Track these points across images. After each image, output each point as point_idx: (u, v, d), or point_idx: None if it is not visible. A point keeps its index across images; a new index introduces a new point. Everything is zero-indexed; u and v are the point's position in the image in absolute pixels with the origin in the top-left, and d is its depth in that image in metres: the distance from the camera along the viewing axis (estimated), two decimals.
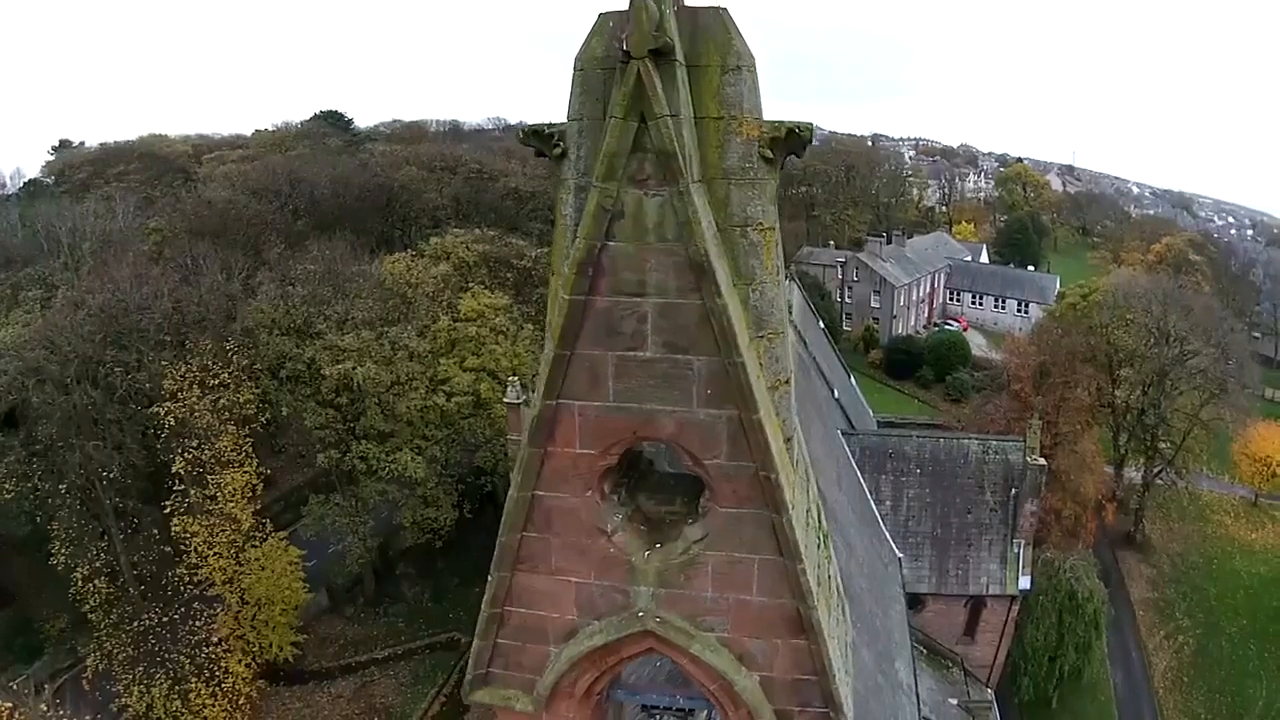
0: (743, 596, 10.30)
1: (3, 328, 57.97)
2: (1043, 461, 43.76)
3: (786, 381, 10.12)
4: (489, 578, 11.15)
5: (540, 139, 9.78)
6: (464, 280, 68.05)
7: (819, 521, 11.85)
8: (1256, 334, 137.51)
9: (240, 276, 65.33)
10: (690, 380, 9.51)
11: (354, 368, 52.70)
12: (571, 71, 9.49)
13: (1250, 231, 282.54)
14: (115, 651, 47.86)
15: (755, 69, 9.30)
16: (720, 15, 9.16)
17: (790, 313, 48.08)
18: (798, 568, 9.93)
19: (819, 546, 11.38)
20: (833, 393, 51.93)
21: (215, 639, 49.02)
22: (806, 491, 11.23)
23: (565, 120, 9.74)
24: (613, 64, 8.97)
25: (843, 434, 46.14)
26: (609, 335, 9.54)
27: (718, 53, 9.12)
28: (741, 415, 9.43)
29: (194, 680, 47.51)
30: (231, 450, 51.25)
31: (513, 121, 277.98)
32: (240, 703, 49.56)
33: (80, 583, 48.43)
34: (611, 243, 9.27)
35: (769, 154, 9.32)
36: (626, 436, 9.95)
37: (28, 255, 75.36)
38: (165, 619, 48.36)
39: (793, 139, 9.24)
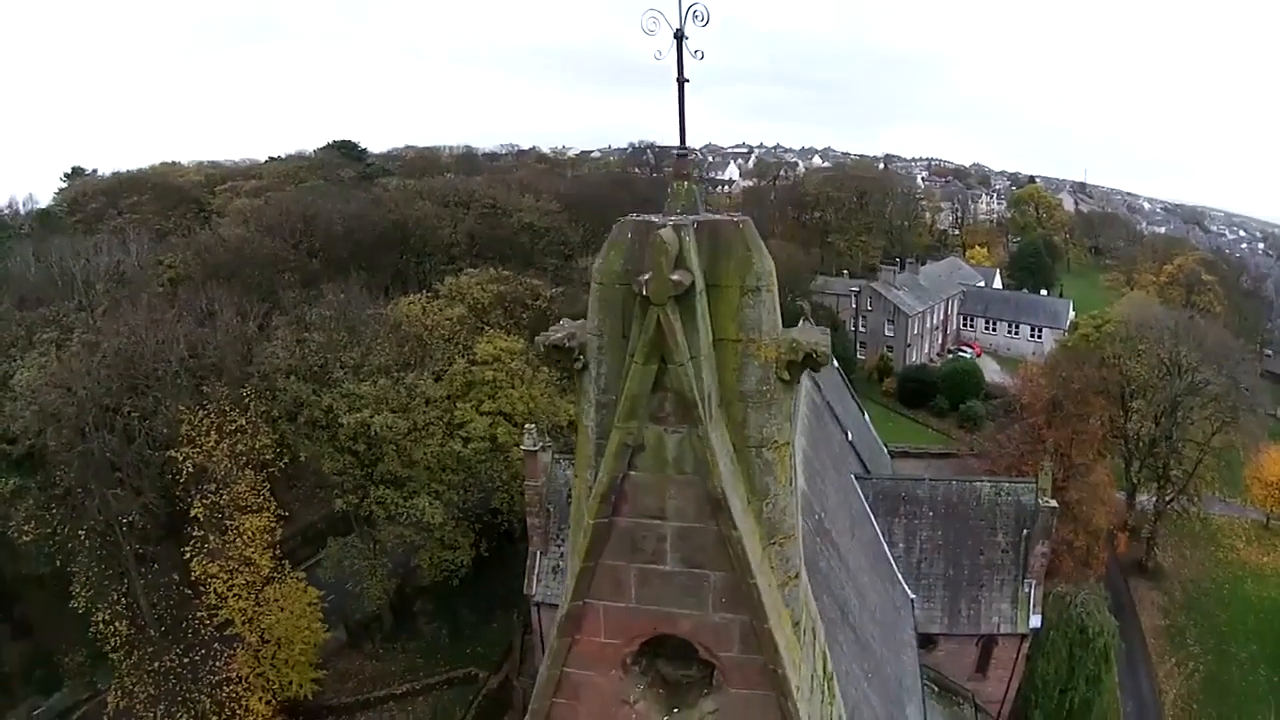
0: None
1: (19, 370, 58.50)
2: (1054, 504, 43.90)
3: (796, 576, 10.73)
4: None
5: (562, 353, 10.22)
6: (479, 322, 68.69)
7: (824, 669, 12.51)
8: (1268, 351, 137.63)
9: (256, 320, 65.93)
10: (706, 590, 10.10)
11: (371, 416, 53.34)
12: (591, 284, 9.97)
13: (1262, 245, 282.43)
14: (137, 691, 48.25)
15: (774, 285, 9.79)
16: (740, 231, 9.68)
17: None
18: None
19: (823, 700, 12.06)
20: (847, 436, 52.37)
21: (236, 677, 49.50)
22: (814, 647, 11.94)
23: (584, 324, 10.29)
24: (630, 280, 9.35)
25: (857, 478, 46.62)
26: (631, 551, 10.15)
27: (738, 273, 9.58)
28: (753, 623, 10.05)
29: (214, 718, 48.05)
30: (250, 495, 51.66)
31: (525, 147, 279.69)
32: None
33: (101, 625, 49.07)
34: (633, 472, 9.82)
35: (785, 376, 9.84)
36: (647, 631, 10.54)
37: (42, 293, 75.58)
38: (186, 660, 48.84)
39: (809, 361, 9.74)
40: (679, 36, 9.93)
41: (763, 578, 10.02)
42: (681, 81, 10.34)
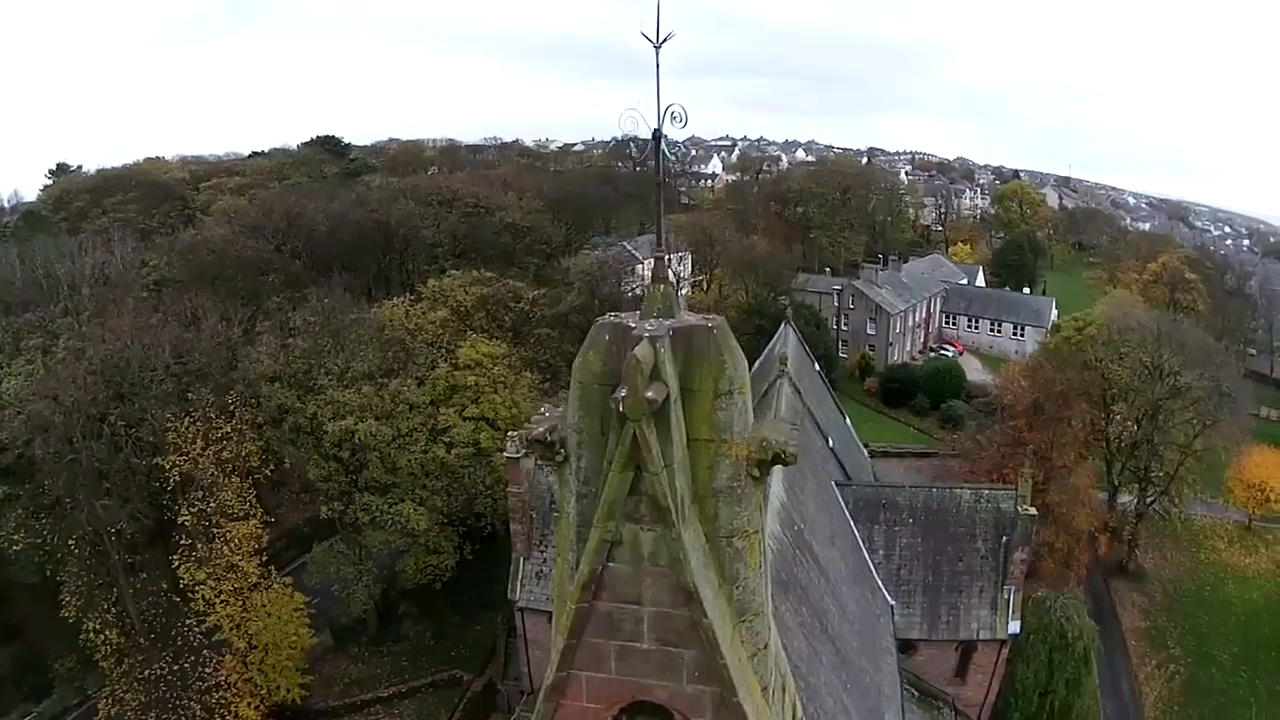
0: None
1: (6, 378, 58.49)
2: (1033, 511, 44.23)
3: (765, 646, 11.31)
4: None
5: (545, 447, 10.71)
6: (462, 324, 68.93)
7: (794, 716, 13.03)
8: (1252, 351, 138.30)
9: (240, 325, 66.00)
10: (681, 665, 10.71)
11: (356, 423, 53.58)
12: (571, 381, 10.49)
13: (1246, 241, 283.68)
14: (128, 699, 48.45)
15: (747, 388, 10.40)
16: (714, 336, 10.20)
17: (786, 364, 49.18)
18: None
19: None
20: (828, 442, 52.69)
21: (225, 682, 49.69)
22: (783, 702, 12.53)
23: (565, 418, 10.77)
24: (609, 380, 9.95)
25: (837, 485, 47.01)
26: (611, 630, 10.76)
27: (711, 378, 10.13)
28: (724, 694, 10.61)
29: None
30: (236, 502, 51.86)
31: (508, 139, 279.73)
32: None
33: (92, 634, 49.28)
34: (612, 564, 10.43)
35: (756, 473, 10.42)
36: (627, 697, 11.13)
37: (27, 297, 75.46)
38: (176, 667, 48.92)
39: (777, 460, 10.33)
40: (657, 137, 10.40)
41: (732, 654, 10.57)
42: (660, 182, 10.92)
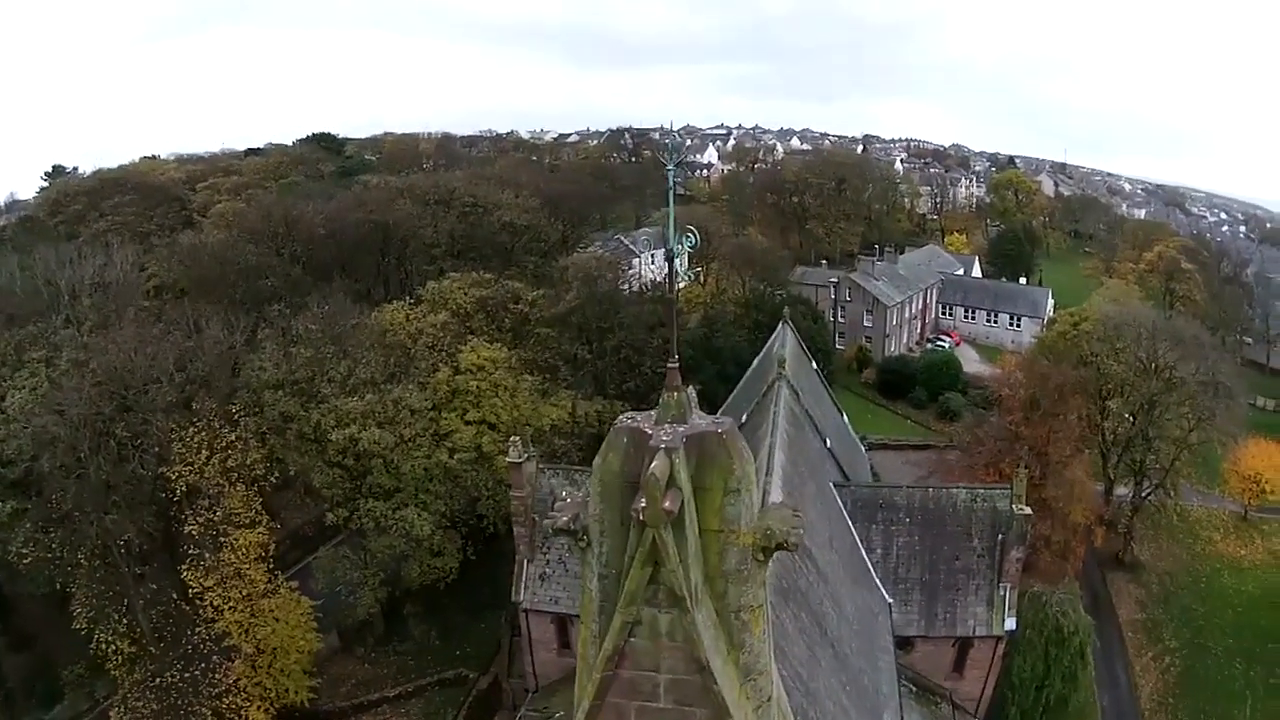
0: None
1: (10, 392, 58.92)
2: (1028, 511, 44.67)
3: (769, 699, 12.51)
4: None
5: (570, 535, 11.99)
6: (463, 327, 69.43)
7: None
8: (1248, 340, 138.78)
9: (242, 332, 66.44)
10: None
11: (359, 431, 54.23)
12: (591, 478, 11.66)
13: (1243, 228, 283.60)
14: (141, 708, 48.83)
15: (752, 484, 11.51)
16: (723, 441, 11.30)
17: (784, 367, 49.85)
18: None
19: None
20: (825, 443, 53.29)
21: (235, 686, 50.20)
22: None
23: (588, 508, 11.91)
24: (627, 479, 11.19)
25: (836, 486, 47.72)
26: (632, 692, 11.97)
27: (720, 477, 11.26)
28: None
29: None
30: (243, 510, 52.38)
31: (503, 131, 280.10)
32: None
33: (103, 645, 49.85)
34: (633, 639, 11.66)
35: (760, 558, 11.65)
36: None
37: (29, 307, 75.40)
38: (187, 674, 49.40)
39: (780, 548, 11.55)
40: (670, 257, 11.66)
41: (739, 711, 11.75)
42: (672, 299, 12.47)
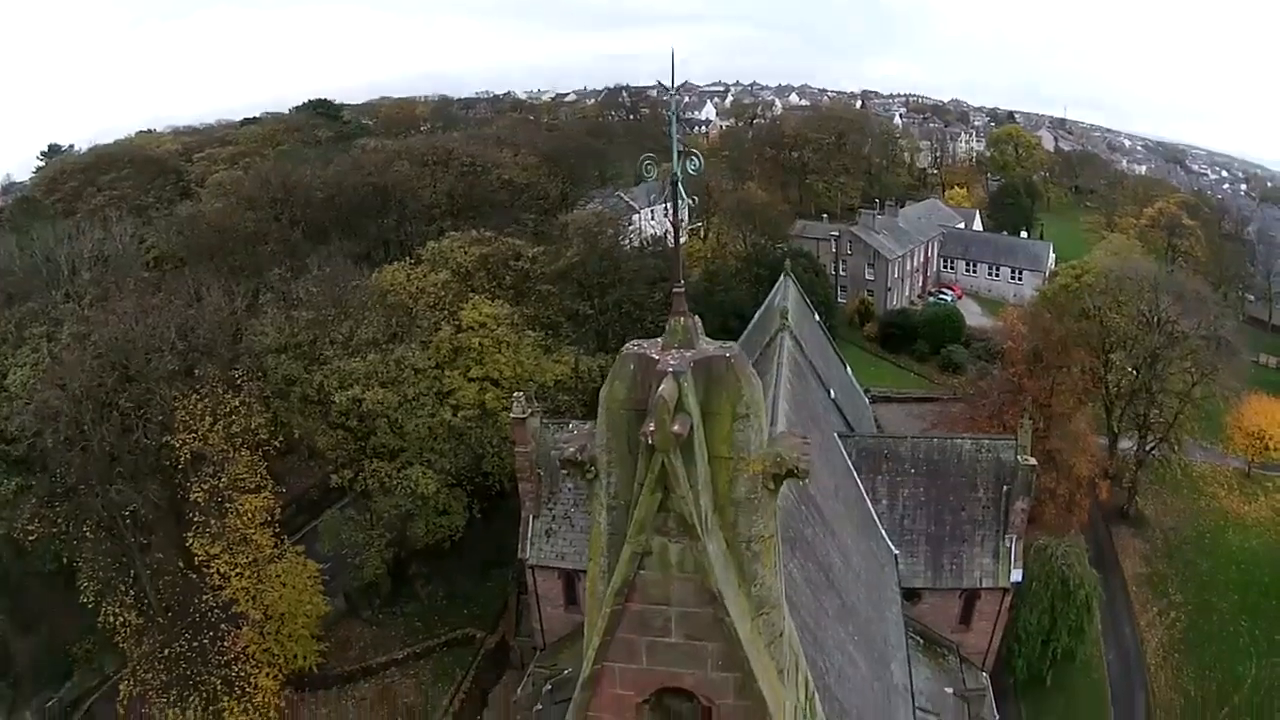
0: None
1: (12, 369, 58.81)
2: (1033, 461, 44.61)
3: (780, 635, 12.30)
4: None
5: (577, 466, 11.66)
6: (464, 286, 69.25)
7: (805, 696, 14.26)
8: (1250, 297, 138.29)
9: (243, 298, 66.20)
10: (705, 656, 11.75)
11: (363, 392, 54.13)
12: (599, 406, 11.41)
13: (1244, 187, 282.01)
14: (150, 679, 49.12)
15: (761, 409, 11.29)
16: (732, 365, 11.07)
17: (787, 318, 49.73)
18: None
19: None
20: (830, 394, 53.20)
21: (244, 653, 50.36)
22: (796, 679, 13.47)
23: (595, 438, 11.70)
24: (634, 406, 10.99)
25: (840, 437, 47.65)
26: (642, 627, 11.77)
27: (729, 402, 11.04)
28: (745, 679, 11.65)
29: (226, 699, 49.04)
30: (248, 475, 52.31)
31: (500, 92, 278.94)
32: (270, 715, 51.26)
33: (110, 618, 50.06)
34: (643, 571, 11.44)
35: (770, 486, 11.37)
36: (656, 685, 12.16)
37: (28, 285, 75.18)
38: (195, 643, 49.59)
39: (790, 475, 11.28)
40: (674, 181, 11.43)
41: (751, 644, 11.59)
42: (676, 224, 11.95)
